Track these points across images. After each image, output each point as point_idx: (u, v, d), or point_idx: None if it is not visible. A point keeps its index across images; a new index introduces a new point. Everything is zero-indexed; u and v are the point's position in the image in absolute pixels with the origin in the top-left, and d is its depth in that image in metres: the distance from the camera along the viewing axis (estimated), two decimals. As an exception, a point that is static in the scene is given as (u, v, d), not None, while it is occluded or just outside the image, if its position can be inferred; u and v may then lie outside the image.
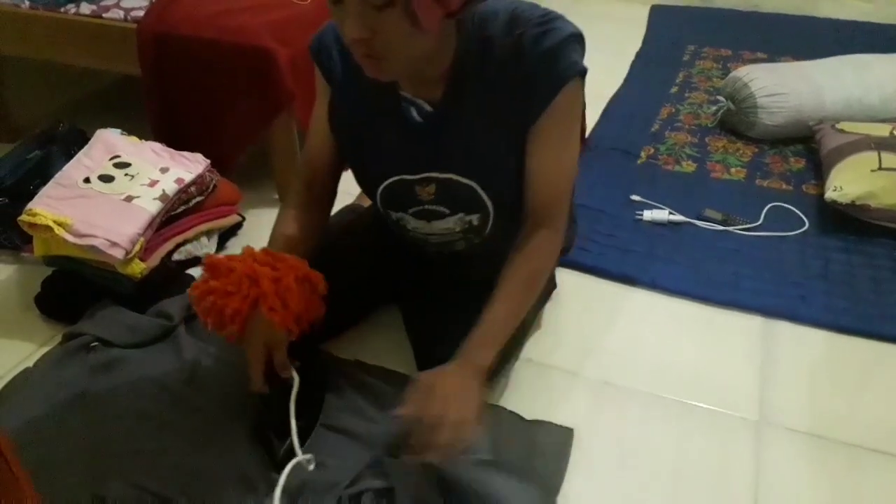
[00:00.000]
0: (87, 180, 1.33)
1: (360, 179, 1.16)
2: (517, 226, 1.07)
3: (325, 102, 1.12)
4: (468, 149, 1.03)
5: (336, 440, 1.09)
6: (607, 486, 1.06)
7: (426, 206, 1.11)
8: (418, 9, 0.84)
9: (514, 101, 0.98)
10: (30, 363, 1.25)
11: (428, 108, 1.02)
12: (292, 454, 0.99)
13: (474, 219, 1.11)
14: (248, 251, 1.07)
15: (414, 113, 1.03)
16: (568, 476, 1.07)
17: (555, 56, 0.95)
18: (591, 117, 2.02)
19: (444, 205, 1.10)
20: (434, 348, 1.19)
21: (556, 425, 1.13)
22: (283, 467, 0.96)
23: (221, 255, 1.08)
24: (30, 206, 1.28)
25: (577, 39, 0.98)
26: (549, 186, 1.04)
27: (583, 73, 0.99)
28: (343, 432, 1.11)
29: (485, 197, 1.07)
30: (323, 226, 1.19)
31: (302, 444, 1.01)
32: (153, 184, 1.34)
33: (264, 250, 1.07)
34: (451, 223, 1.12)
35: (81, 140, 1.54)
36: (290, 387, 1.03)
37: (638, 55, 2.50)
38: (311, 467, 1.00)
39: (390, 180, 1.09)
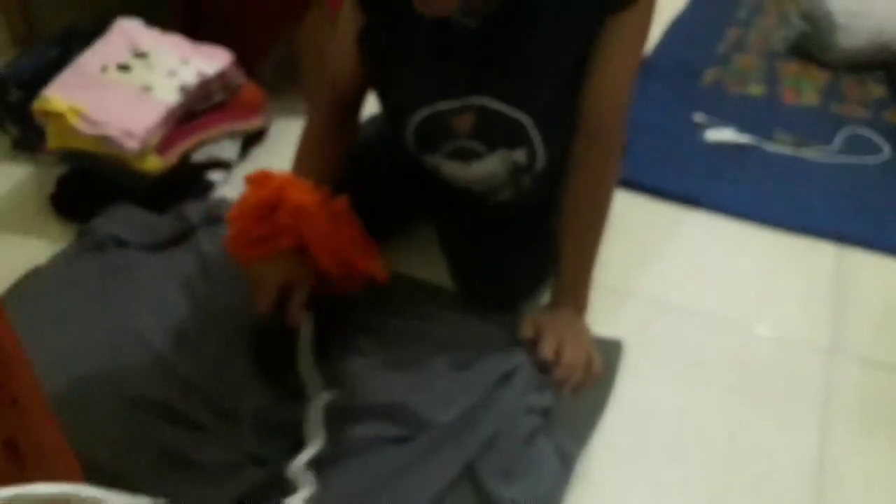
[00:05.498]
0: (104, 69, 1.25)
1: (391, 113, 1.05)
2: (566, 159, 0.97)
3: (356, 22, 0.99)
4: (517, 70, 0.92)
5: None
6: (659, 402, 0.96)
7: (461, 144, 0.99)
8: None
9: None
10: (42, 262, 1.18)
11: (474, 24, 0.90)
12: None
13: (519, 155, 0.99)
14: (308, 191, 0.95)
15: (458, 28, 0.91)
16: (614, 390, 0.97)
17: None
18: (652, 37, 1.85)
19: (482, 139, 0.98)
20: (472, 269, 1.10)
21: (603, 338, 1.02)
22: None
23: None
24: (43, 92, 1.19)
25: None
26: (616, 82, 0.93)
27: None
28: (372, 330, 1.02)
29: (529, 126, 0.95)
30: (350, 146, 1.09)
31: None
32: (172, 74, 1.24)
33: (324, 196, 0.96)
34: (493, 164, 1.00)
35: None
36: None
37: (702, -21, 2.31)
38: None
39: (424, 113, 0.97)
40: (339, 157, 1.06)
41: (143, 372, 0.95)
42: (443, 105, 0.96)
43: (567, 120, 0.95)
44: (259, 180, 0.96)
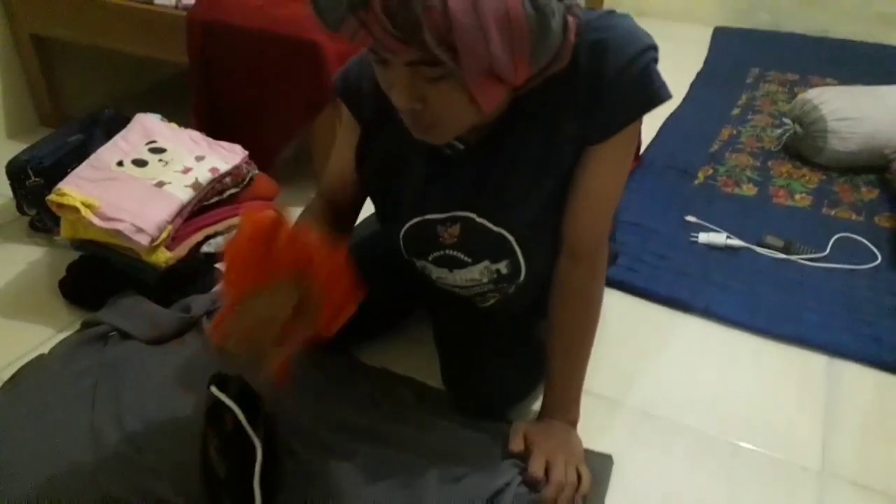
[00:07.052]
0: (120, 163, 1.30)
1: (384, 220, 1.09)
2: (552, 269, 0.99)
3: (352, 137, 1.04)
4: (501, 192, 0.95)
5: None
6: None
7: (447, 252, 1.02)
8: (476, 90, 0.77)
9: (580, 124, 0.89)
10: (46, 348, 1.21)
11: (461, 146, 0.94)
12: None
13: (502, 266, 1.02)
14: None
15: (450, 149, 0.95)
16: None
17: (644, 79, 0.87)
18: (647, 135, 1.93)
19: (466, 251, 1.01)
20: (462, 374, 1.12)
21: (594, 452, 1.03)
22: None
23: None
24: (59, 185, 1.24)
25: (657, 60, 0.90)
26: (596, 209, 0.95)
27: (668, 99, 0.90)
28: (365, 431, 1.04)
29: (513, 241, 0.98)
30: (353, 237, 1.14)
31: None
32: (186, 171, 1.30)
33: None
34: (476, 273, 1.03)
35: (125, 126, 1.51)
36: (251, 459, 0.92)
37: (699, 75, 2.40)
38: None
39: (414, 220, 1.01)
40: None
41: (121, 471, 0.97)
42: (431, 215, 0.99)
43: (551, 237, 0.98)
44: (254, 213, 0.83)
